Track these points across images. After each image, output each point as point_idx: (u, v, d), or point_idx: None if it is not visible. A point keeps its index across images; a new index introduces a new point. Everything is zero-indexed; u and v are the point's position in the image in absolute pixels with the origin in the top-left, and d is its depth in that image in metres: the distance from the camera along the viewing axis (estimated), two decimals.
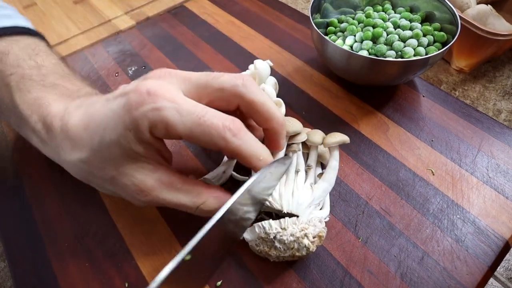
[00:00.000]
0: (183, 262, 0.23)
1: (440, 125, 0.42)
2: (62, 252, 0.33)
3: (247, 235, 0.31)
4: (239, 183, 0.36)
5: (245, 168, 0.33)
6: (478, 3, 0.82)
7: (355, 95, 0.46)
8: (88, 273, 0.32)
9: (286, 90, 0.47)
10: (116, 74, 0.51)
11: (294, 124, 0.34)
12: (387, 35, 0.43)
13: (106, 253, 0.33)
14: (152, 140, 0.27)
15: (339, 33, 0.46)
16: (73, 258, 0.33)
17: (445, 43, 0.42)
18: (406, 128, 0.42)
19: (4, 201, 0.37)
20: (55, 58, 0.36)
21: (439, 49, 0.40)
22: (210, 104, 0.28)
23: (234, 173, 0.36)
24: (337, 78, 0.48)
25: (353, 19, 0.47)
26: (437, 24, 0.44)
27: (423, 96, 0.46)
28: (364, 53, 0.42)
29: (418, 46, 0.42)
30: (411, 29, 0.43)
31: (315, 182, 0.33)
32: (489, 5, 0.80)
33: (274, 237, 0.29)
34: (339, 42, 0.44)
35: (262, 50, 0.53)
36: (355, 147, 0.40)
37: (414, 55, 0.41)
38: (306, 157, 0.36)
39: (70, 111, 0.30)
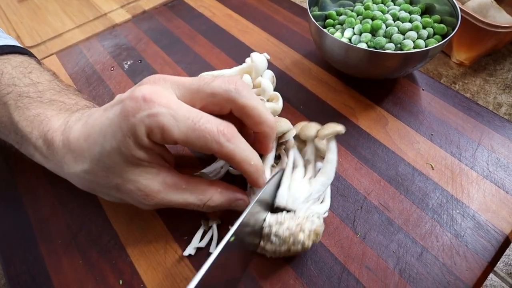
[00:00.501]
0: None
1: (440, 119, 0.41)
2: (55, 249, 0.33)
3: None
4: (234, 178, 0.36)
5: None
6: None
7: (354, 89, 0.45)
8: (82, 270, 0.31)
9: (284, 83, 0.46)
10: (112, 68, 0.50)
11: (282, 125, 0.34)
12: (386, 27, 0.42)
13: (101, 250, 0.32)
14: (151, 145, 0.27)
15: (338, 26, 0.46)
16: (66, 255, 0.32)
17: (445, 36, 0.42)
18: (406, 122, 0.41)
19: None
20: (48, 74, 0.37)
21: (439, 42, 0.40)
22: (203, 109, 0.28)
23: (231, 168, 0.36)
24: (335, 72, 0.47)
25: (352, 11, 0.46)
26: (437, 16, 0.43)
27: (423, 90, 0.45)
28: (363, 45, 0.41)
29: (417, 38, 0.41)
30: (410, 21, 0.43)
31: (314, 177, 0.33)
32: None
33: (270, 231, 0.29)
34: (337, 34, 0.44)
35: (260, 43, 0.53)
36: (353, 141, 0.40)
37: (414, 48, 0.40)
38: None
39: (70, 125, 0.30)
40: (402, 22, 0.42)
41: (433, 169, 0.37)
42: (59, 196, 0.36)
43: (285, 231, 0.28)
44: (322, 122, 0.41)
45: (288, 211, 0.30)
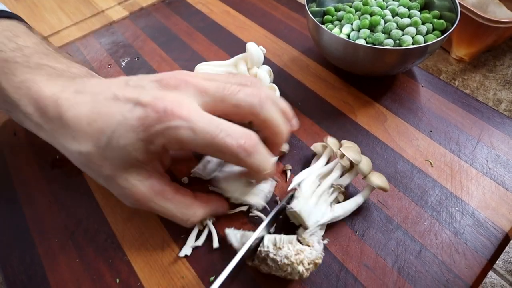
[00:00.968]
0: None
1: (439, 115, 0.41)
2: (52, 248, 0.33)
3: (234, 241, 0.29)
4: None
5: None
6: None
7: (353, 85, 0.45)
8: (79, 269, 0.31)
9: (282, 80, 0.46)
10: (109, 66, 0.49)
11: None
12: (385, 23, 0.42)
13: (97, 249, 0.32)
14: (161, 150, 0.28)
15: (336, 22, 0.45)
16: (63, 254, 0.32)
17: (444, 31, 0.41)
18: (405, 119, 0.41)
19: None
20: (36, 37, 0.35)
21: (438, 37, 0.39)
22: (225, 116, 0.29)
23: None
24: (334, 68, 0.47)
25: (350, 7, 0.46)
26: (436, 12, 0.43)
27: (422, 86, 0.45)
28: (362, 41, 0.41)
29: (416, 34, 0.41)
30: (409, 16, 0.42)
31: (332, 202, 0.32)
32: None
33: (267, 255, 0.28)
34: (335, 30, 0.43)
35: (258, 40, 0.52)
36: (352, 138, 0.39)
37: (413, 44, 0.40)
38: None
39: (67, 97, 0.29)
40: (401, 18, 0.42)
41: (432, 166, 0.37)
42: (56, 194, 0.36)
43: (283, 259, 0.27)
44: (321, 119, 0.41)
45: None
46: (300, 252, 0.27)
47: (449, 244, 0.31)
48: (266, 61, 0.48)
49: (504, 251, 0.39)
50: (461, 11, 0.40)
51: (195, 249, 0.32)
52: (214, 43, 0.52)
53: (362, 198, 0.33)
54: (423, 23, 0.42)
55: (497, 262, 0.68)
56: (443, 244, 0.31)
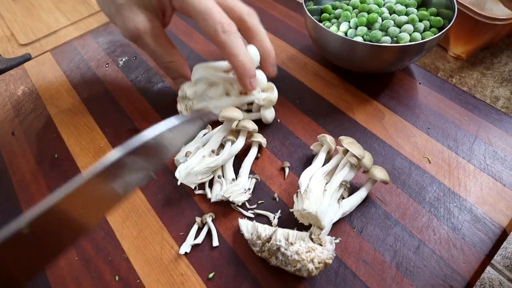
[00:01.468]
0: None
1: (437, 112, 0.41)
2: None
3: (245, 232, 0.30)
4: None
5: None
6: None
7: (350, 83, 0.45)
8: (78, 267, 0.31)
9: (279, 78, 0.46)
10: (106, 65, 0.49)
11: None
12: (382, 20, 0.42)
13: (96, 247, 0.32)
14: (167, 3, 0.36)
15: (333, 20, 0.45)
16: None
17: (441, 28, 0.41)
18: (402, 116, 0.41)
19: None
20: None
21: (435, 34, 0.39)
22: None
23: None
24: (331, 66, 0.47)
25: (348, 4, 0.46)
26: (433, 9, 0.43)
27: (420, 83, 0.45)
28: (359, 39, 0.41)
29: (414, 31, 0.41)
30: (406, 14, 0.42)
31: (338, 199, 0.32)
32: None
33: (278, 248, 0.28)
34: (333, 28, 0.43)
35: None
36: (350, 136, 0.39)
37: (410, 41, 0.40)
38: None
39: None
40: (398, 15, 0.42)
41: (430, 162, 0.37)
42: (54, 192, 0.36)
43: (294, 254, 0.27)
44: (319, 116, 0.41)
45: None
46: (312, 250, 0.27)
47: (447, 239, 0.31)
48: None
49: (502, 246, 0.39)
50: (458, 8, 0.41)
51: (194, 246, 0.32)
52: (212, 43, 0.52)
53: (366, 192, 0.33)
54: (420, 21, 0.42)
55: (495, 257, 0.68)
56: (441, 239, 0.31)
